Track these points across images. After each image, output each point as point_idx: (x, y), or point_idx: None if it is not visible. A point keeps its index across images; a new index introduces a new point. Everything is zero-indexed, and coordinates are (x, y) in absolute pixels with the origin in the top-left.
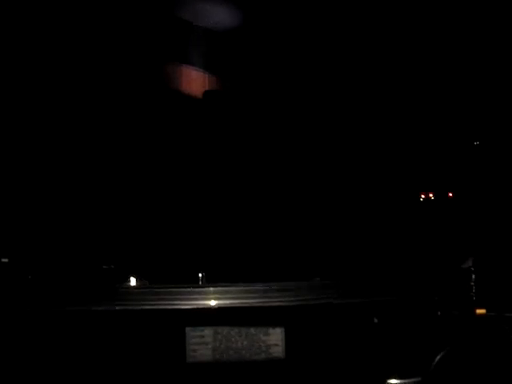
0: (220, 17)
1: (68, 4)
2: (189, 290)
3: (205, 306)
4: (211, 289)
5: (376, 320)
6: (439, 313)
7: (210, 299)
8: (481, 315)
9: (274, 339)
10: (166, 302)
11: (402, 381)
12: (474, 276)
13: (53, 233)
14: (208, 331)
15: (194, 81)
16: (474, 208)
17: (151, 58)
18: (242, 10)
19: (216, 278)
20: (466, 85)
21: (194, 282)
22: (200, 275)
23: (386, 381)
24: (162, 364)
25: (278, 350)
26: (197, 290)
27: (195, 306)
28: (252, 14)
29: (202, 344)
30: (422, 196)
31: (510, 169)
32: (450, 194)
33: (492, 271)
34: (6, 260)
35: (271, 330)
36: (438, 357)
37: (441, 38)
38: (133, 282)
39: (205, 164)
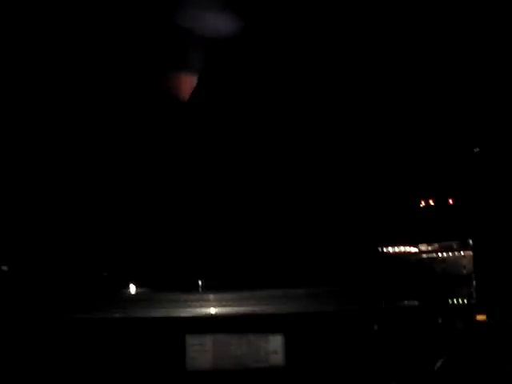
0: (217, 24)
1: (69, 12)
2: (189, 297)
3: (205, 314)
4: (211, 296)
5: (376, 327)
6: (440, 320)
7: (209, 307)
8: (481, 322)
9: (274, 346)
10: (167, 310)
11: None
12: (474, 282)
13: (53, 241)
14: (208, 339)
15: (191, 86)
16: (474, 213)
17: (149, 64)
18: (240, 17)
19: (216, 285)
20: (466, 91)
21: (193, 288)
22: (200, 282)
23: None
24: (162, 371)
25: (278, 357)
26: (197, 297)
27: (195, 314)
28: (250, 21)
29: (201, 351)
30: (422, 202)
31: (509, 175)
32: (451, 201)
33: (493, 277)
34: (5, 268)
35: (271, 337)
36: (439, 363)
37: (442, 46)
38: (133, 289)
39: (205, 171)
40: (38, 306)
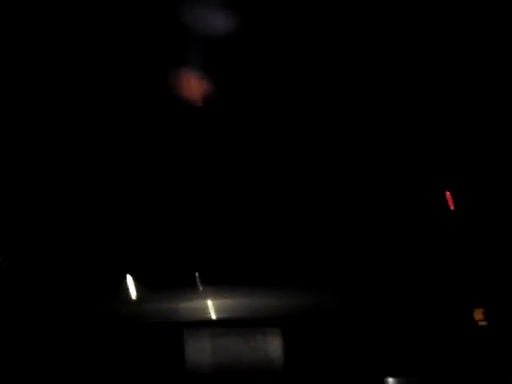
0: (220, 21)
1: (68, 8)
2: (187, 296)
3: (204, 313)
4: (210, 295)
5: (375, 325)
6: (437, 317)
7: (208, 306)
8: (479, 320)
9: (273, 344)
10: (165, 309)
11: (399, 379)
12: (472, 274)
13: (49, 234)
14: (206, 337)
15: (194, 85)
16: (473, 204)
17: (150, 63)
18: (243, 14)
19: (215, 284)
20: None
21: (192, 287)
22: (198, 281)
23: (383, 379)
24: (160, 370)
25: (277, 356)
26: (195, 296)
27: (194, 313)
28: (252, 18)
29: (200, 349)
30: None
31: (509, 172)
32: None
33: (492, 276)
34: (3, 268)
35: (270, 336)
36: (436, 356)
37: (441, 43)
38: (130, 288)
39: (204, 166)
40: (34, 306)
